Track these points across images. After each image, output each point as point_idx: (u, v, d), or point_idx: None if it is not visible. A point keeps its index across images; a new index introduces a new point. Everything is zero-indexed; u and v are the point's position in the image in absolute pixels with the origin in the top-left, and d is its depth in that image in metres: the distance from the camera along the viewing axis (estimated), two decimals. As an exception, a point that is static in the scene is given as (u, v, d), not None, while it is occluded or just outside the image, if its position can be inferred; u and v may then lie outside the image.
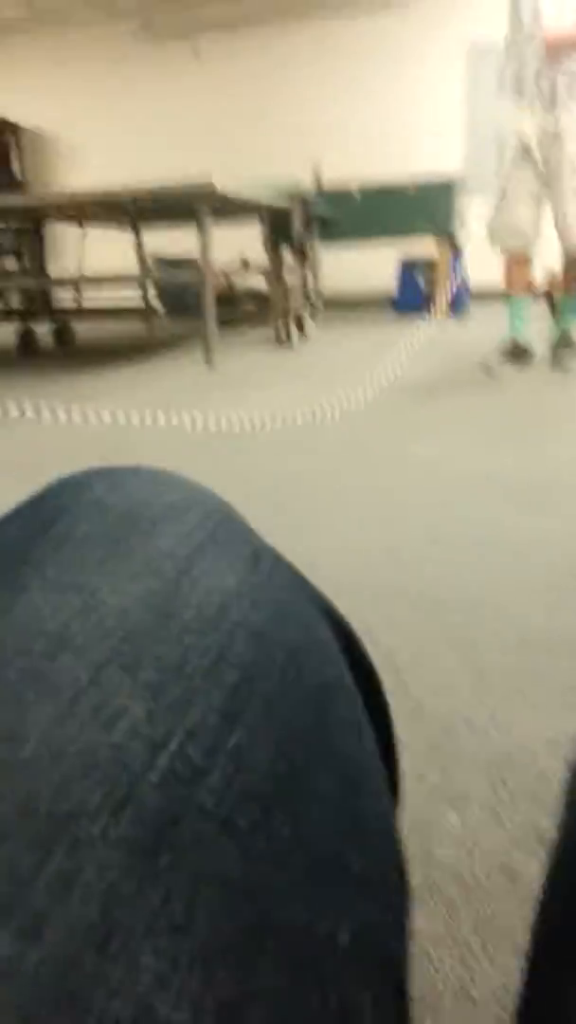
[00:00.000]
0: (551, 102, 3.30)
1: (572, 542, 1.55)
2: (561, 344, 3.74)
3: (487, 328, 5.48)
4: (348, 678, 0.27)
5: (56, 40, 8.60)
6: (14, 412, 3.19)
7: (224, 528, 0.29)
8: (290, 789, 0.21)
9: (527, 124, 3.36)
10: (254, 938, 0.18)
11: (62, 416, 3.05)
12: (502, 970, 0.65)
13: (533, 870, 0.75)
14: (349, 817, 0.22)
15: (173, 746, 0.20)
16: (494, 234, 3.55)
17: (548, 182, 3.41)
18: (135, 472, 0.31)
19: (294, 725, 0.23)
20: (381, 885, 0.22)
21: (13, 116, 8.78)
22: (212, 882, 0.18)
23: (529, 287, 3.65)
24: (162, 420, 2.88)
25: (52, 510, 0.28)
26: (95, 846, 0.17)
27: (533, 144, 3.37)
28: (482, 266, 7.38)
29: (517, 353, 3.64)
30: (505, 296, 3.69)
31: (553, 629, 1.21)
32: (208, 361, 4.25)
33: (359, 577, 1.43)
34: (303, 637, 0.26)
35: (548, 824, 0.81)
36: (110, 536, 0.26)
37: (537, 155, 3.38)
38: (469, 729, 0.97)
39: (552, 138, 3.34)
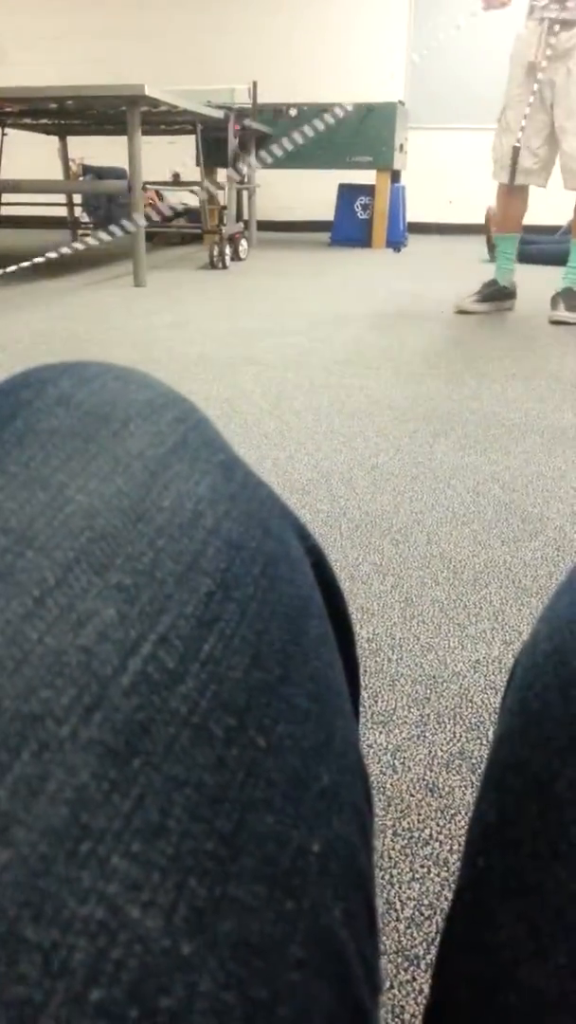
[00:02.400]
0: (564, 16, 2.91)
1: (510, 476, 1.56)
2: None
3: (427, 264, 5.44)
4: (319, 595, 0.27)
5: None
6: None
7: (196, 433, 0.28)
8: (264, 701, 0.21)
9: (533, 39, 3.02)
10: (228, 846, 0.18)
11: (-19, 326, 2.92)
12: (421, 882, 0.66)
13: (454, 785, 0.76)
14: (321, 734, 0.22)
15: (145, 650, 0.19)
16: (495, 163, 3.25)
17: (552, 108, 3.08)
18: (104, 368, 0.29)
19: (269, 637, 0.22)
20: (349, 801, 0.22)
21: None
22: (186, 788, 0.18)
23: (514, 224, 3.37)
24: (94, 328, 2.78)
25: (14, 403, 0.27)
26: (63, 749, 0.17)
27: (539, 63, 3.00)
28: (420, 199, 7.36)
29: (500, 296, 3.39)
30: (487, 232, 3.46)
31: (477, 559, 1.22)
32: (137, 280, 4.12)
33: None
34: (277, 550, 0.25)
35: (470, 742, 0.81)
36: (77, 432, 0.25)
37: (541, 76, 3.03)
38: (397, 652, 0.97)
39: (561, 56, 2.98)
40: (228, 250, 4.97)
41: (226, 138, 5.14)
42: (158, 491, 0.24)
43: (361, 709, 0.87)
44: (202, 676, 0.20)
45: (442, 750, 0.81)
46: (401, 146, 6.24)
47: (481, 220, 5.61)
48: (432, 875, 0.67)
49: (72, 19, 8.02)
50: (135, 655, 0.19)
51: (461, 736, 0.83)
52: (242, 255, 5.33)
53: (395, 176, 6.36)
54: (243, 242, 5.37)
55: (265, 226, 7.40)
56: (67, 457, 0.24)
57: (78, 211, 6.33)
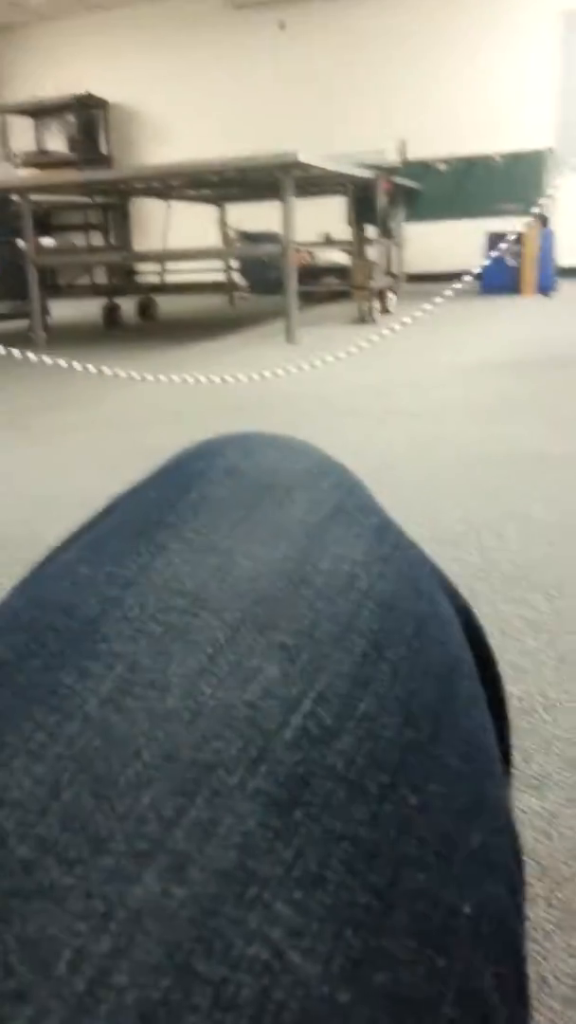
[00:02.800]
0: None
1: None
2: None
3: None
4: (469, 654, 0.28)
5: (142, 15, 8.63)
6: (108, 372, 3.23)
7: (351, 498, 0.29)
8: (416, 760, 0.21)
9: None
10: (382, 900, 0.18)
11: (151, 378, 3.08)
12: (572, 952, 0.63)
13: None
14: (472, 794, 0.22)
15: (305, 707, 0.20)
16: None
17: None
18: (267, 439, 0.32)
19: (420, 697, 0.23)
20: (500, 863, 0.22)
21: (100, 92, 8.86)
22: (343, 841, 0.18)
23: None
24: (250, 377, 2.89)
25: (188, 475, 0.29)
26: (233, 796, 0.18)
27: None
28: (572, 243, 7.22)
29: None
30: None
31: None
32: (289, 336, 4.24)
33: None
34: (427, 610, 0.26)
35: None
36: (244, 502, 0.27)
37: None
38: (551, 712, 0.95)
39: None
40: (377, 304, 5.04)
41: (375, 196, 5.25)
42: (317, 555, 0.26)
43: (512, 771, 0.85)
44: (357, 733, 0.21)
45: None
46: (552, 192, 6.17)
47: None
48: (587, 945, 0.64)
49: (230, 94, 8.46)
50: (296, 711, 0.20)
51: (620, 801, 0.79)
52: (390, 308, 5.39)
53: (544, 222, 6.28)
54: (391, 295, 5.43)
55: (414, 278, 7.45)
56: (235, 524, 0.26)
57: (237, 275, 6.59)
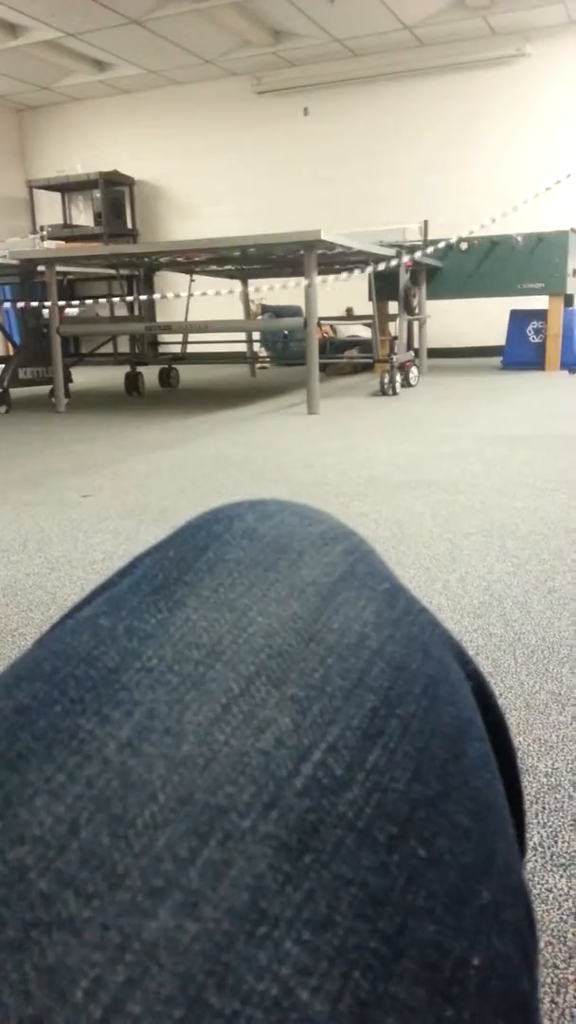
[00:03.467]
0: None
1: None
2: None
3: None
4: (479, 719, 0.28)
5: (171, 97, 8.97)
6: (119, 455, 3.25)
7: (364, 563, 0.30)
8: (425, 814, 0.22)
9: None
10: (390, 947, 0.18)
11: (167, 456, 3.09)
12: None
13: None
14: (481, 853, 0.22)
15: (316, 757, 0.21)
16: None
17: None
18: (283, 505, 0.33)
19: (430, 753, 0.23)
20: (510, 921, 0.22)
21: (127, 169, 9.16)
22: (351, 887, 0.19)
23: None
24: (269, 452, 2.89)
25: (207, 536, 0.30)
26: (245, 839, 0.19)
27: None
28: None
29: None
30: None
31: None
32: (310, 408, 4.27)
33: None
34: (437, 672, 0.27)
35: None
36: (260, 562, 0.28)
37: None
38: None
39: None
40: (399, 377, 5.08)
41: (398, 274, 5.34)
42: (328, 615, 0.26)
43: (541, 850, 0.81)
44: (367, 784, 0.21)
45: None
46: (574, 271, 6.26)
47: None
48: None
49: (254, 175, 8.72)
50: (307, 760, 0.21)
51: None
52: (412, 382, 5.43)
53: (568, 300, 6.36)
54: (413, 369, 5.48)
55: (436, 353, 7.54)
56: (251, 584, 0.27)
57: (257, 346, 6.68)
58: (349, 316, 6.67)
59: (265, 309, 6.88)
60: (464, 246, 6.16)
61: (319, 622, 0.26)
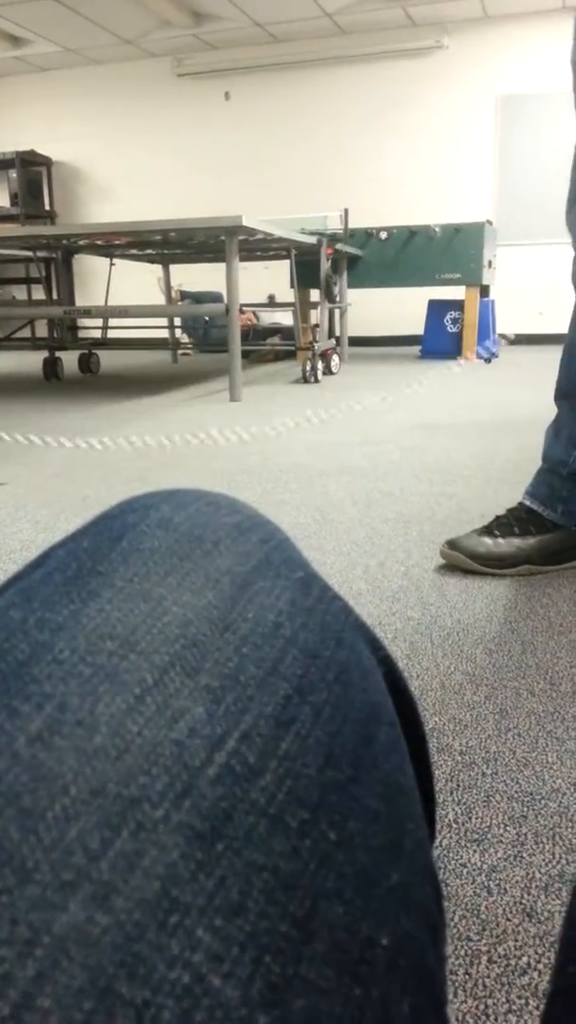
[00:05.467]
0: None
1: None
2: None
3: (519, 374, 5.49)
4: (390, 703, 0.29)
5: (90, 77, 8.79)
6: (38, 442, 3.20)
7: (278, 552, 0.31)
8: (336, 798, 0.22)
9: None
10: (301, 929, 0.19)
11: (83, 444, 3.05)
12: (518, 1014, 0.61)
13: (554, 909, 0.71)
14: (391, 835, 0.23)
15: (230, 745, 0.21)
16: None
17: None
18: (199, 495, 0.33)
19: (341, 739, 0.24)
20: (418, 901, 0.23)
21: (45, 150, 8.95)
22: (263, 873, 0.19)
23: None
24: (192, 440, 2.88)
25: (122, 526, 0.30)
26: (158, 829, 0.19)
27: None
28: (511, 311, 7.47)
29: None
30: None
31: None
32: (233, 395, 4.26)
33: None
34: (350, 659, 0.27)
35: (571, 863, 0.76)
36: (175, 552, 0.28)
37: None
38: (491, 766, 0.94)
39: None
40: (320, 365, 5.11)
41: (318, 261, 5.36)
42: (243, 604, 0.27)
43: (455, 826, 0.84)
44: (279, 771, 0.22)
45: (540, 872, 0.77)
46: (490, 262, 6.38)
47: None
48: (530, 1007, 0.62)
49: (175, 159, 8.62)
50: (220, 749, 0.21)
51: (561, 857, 0.78)
52: (334, 370, 5.47)
53: (484, 291, 6.49)
54: (335, 357, 5.52)
55: (357, 341, 7.61)
56: (165, 573, 0.27)
57: (178, 332, 6.63)
58: (271, 303, 6.67)
59: (185, 295, 6.83)
60: (384, 235, 6.22)
61: (234, 611, 0.26)
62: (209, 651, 0.24)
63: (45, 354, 5.46)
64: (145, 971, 0.16)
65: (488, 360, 6.30)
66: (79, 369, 5.82)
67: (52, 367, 5.40)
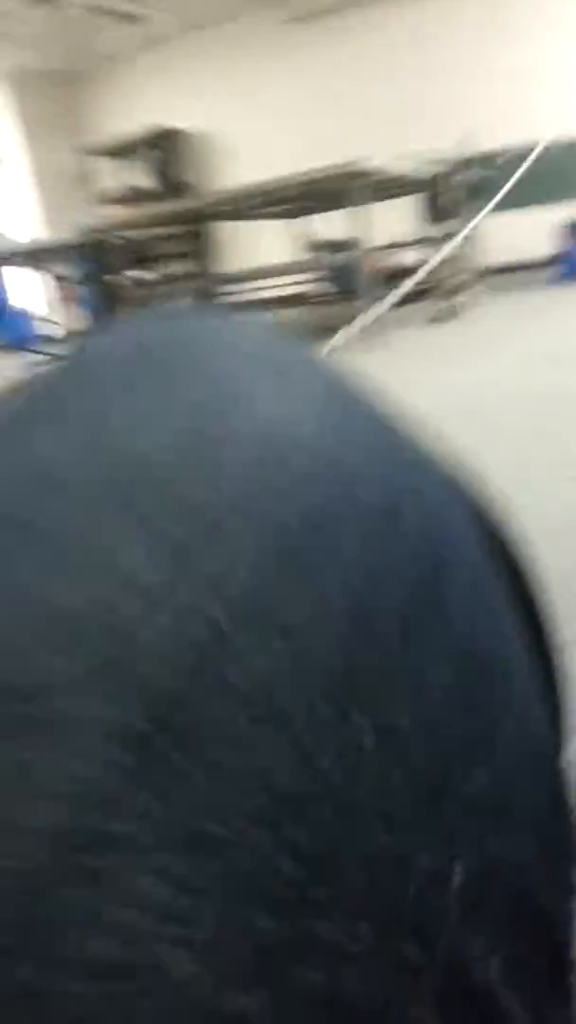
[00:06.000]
0: None
1: None
2: None
3: None
4: (485, 557, 0.20)
5: (204, 42, 8.92)
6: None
7: (312, 368, 0.21)
8: (375, 672, 0.15)
9: None
10: (309, 866, 0.13)
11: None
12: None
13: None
14: (476, 715, 0.16)
15: (183, 597, 0.14)
16: None
17: None
18: (215, 314, 0.24)
19: (384, 586, 0.16)
20: (524, 815, 0.16)
21: (174, 123, 9.21)
22: (243, 780, 0.13)
23: None
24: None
25: (92, 350, 0.22)
26: (69, 730, 0.13)
27: None
28: None
29: None
30: None
31: None
32: (366, 343, 4.35)
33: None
34: (411, 484, 0.19)
35: None
36: (146, 361, 0.20)
37: None
38: None
39: None
40: (461, 299, 5.10)
41: (447, 193, 5.31)
42: (231, 416, 0.18)
43: None
44: (265, 629, 0.14)
45: None
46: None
47: None
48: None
49: (295, 109, 8.66)
50: (166, 603, 0.14)
51: None
52: (471, 305, 5.43)
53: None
54: (472, 290, 5.47)
55: (495, 270, 7.43)
56: (123, 392, 0.19)
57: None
58: (405, 243, 6.63)
59: (317, 246, 6.89)
60: (500, 160, 6.04)
61: (214, 426, 0.17)
62: (166, 484, 0.16)
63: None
64: (47, 939, 0.12)
65: None
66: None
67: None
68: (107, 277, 5.02)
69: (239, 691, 0.14)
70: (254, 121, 8.94)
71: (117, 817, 0.12)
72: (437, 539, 0.18)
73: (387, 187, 5.11)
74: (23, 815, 0.12)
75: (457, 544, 0.19)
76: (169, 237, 6.82)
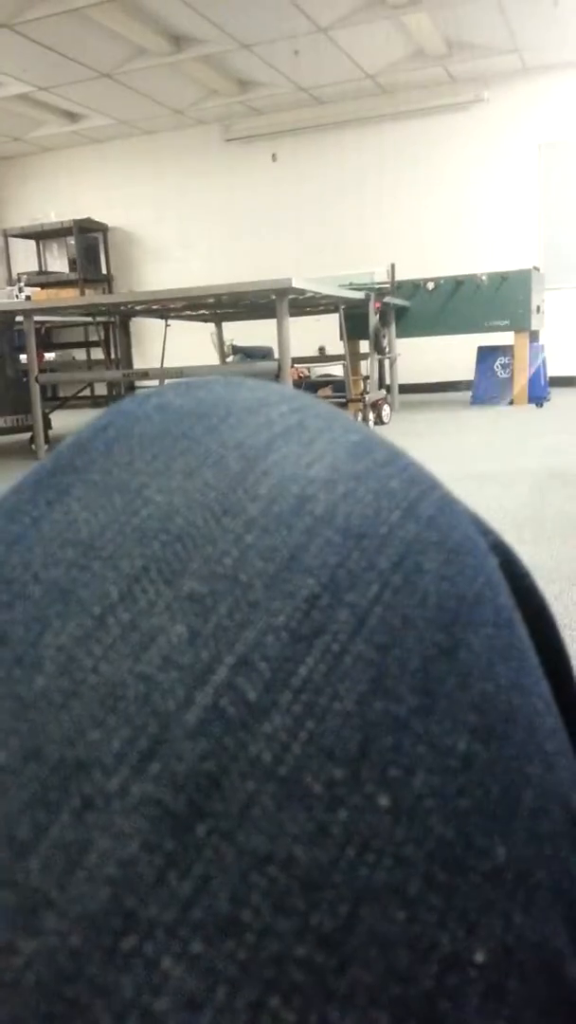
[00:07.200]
0: None
1: None
2: None
3: (571, 417, 5.51)
4: (505, 598, 0.20)
5: (142, 146, 9.17)
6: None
7: (319, 418, 0.21)
8: (390, 742, 0.15)
9: None
10: (331, 952, 0.13)
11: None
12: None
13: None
14: (494, 784, 0.16)
15: (220, 677, 0.15)
16: None
17: None
18: (218, 378, 0.25)
19: (400, 652, 0.16)
20: (543, 887, 0.16)
21: (101, 216, 9.34)
22: (269, 867, 0.13)
23: None
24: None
25: (113, 414, 0.23)
26: (111, 808, 0.13)
27: None
28: (562, 354, 7.51)
29: None
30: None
31: None
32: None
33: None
34: (424, 535, 0.19)
35: None
36: (169, 432, 0.20)
37: None
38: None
39: None
40: (372, 415, 5.21)
41: (367, 315, 5.49)
42: (254, 478, 0.18)
43: None
44: (295, 709, 0.15)
45: None
46: (538, 308, 6.44)
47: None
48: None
49: (225, 220, 8.92)
50: (205, 684, 0.15)
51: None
52: (385, 419, 5.56)
53: (534, 336, 6.54)
54: (386, 407, 5.61)
55: (407, 389, 7.70)
56: (152, 457, 0.19)
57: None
58: (322, 356, 6.81)
59: (237, 350, 7.01)
60: (431, 286, 6.33)
61: (240, 489, 0.18)
62: (197, 546, 0.17)
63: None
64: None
65: (540, 404, 6.32)
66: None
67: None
68: (20, 356, 4.93)
69: (265, 765, 0.14)
70: (179, 226, 9.16)
71: (154, 901, 0.13)
72: (457, 595, 0.18)
73: (312, 303, 5.25)
74: (63, 898, 0.13)
75: (479, 599, 0.19)
76: (85, 324, 6.79)
